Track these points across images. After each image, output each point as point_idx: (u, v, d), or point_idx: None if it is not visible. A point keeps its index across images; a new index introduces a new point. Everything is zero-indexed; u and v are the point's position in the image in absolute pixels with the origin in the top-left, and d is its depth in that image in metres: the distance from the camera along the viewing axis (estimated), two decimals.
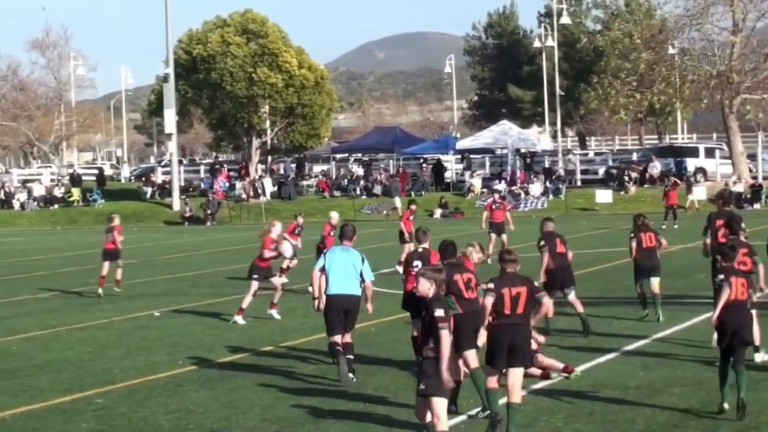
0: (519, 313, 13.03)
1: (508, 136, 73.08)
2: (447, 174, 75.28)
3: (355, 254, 16.85)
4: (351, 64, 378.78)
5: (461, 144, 75.65)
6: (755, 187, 62.59)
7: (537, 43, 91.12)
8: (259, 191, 72.75)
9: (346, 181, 75.60)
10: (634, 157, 74.81)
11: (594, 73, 77.00)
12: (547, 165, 74.73)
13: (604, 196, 64.87)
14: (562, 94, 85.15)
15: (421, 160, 76.56)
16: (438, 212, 64.55)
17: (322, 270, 16.66)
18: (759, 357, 17.11)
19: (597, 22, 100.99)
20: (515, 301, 13.03)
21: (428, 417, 11.97)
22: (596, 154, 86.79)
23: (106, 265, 30.12)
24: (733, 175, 63.36)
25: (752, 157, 69.27)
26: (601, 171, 73.18)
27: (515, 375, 13.02)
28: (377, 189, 71.64)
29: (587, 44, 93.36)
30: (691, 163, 67.97)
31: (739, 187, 60.57)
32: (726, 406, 13.92)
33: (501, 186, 66.01)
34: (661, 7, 70.97)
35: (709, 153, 70.17)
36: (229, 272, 36.04)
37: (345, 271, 16.60)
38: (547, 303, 13.66)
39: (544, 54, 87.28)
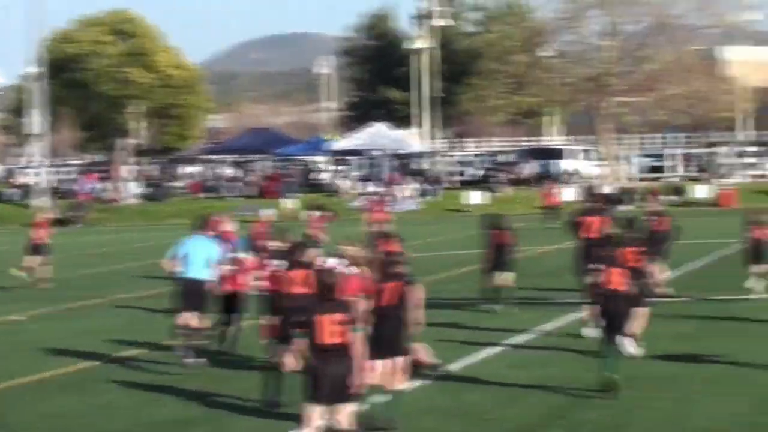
0: (392, 303, 13.21)
1: (382, 138, 73.21)
2: (322, 176, 75.13)
3: (207, 242, 18.58)
4: (226, 64, 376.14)
5: (335, 145, 75.56)
6: (626, 189, 63.68)
7: (412, 45, 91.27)
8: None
9: (217, 182, 74.91)
10: (508, 158, 75.62)
11: (470, 75, 77.48)
12: (420, 166, 75.06)
13: (477, 197, 65.50)
14: (443, 95, 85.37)
15: (291, 162, 76.38)
16: None
17: (174, 258, 18.39)
18: (628, 346, 16.99)
19: (475, 24, 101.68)
20: (387, 293, 13.25)
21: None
22: (472, 155, 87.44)
23: (28, 259, 31.72)
24: (606, 177, 64.43)
25: (625, 159, 70.52)
26: (475, 172, 73.80)
27: (398, 364, 13.23)
28: (250, 190, 71.19)
29: (464, 46, 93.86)
30: (564, 165, 68.95)
31: (611, 188, 61.57)
32: (616, 377, 14.53)
33: (373, 187, 66.12)
34: (538, 9, 71.81)
35: (582, 155, 71.23)
36: (95, 275, 35.43)
37: (199, 258, 18.18)
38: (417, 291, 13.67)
39: (418, 56, 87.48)
